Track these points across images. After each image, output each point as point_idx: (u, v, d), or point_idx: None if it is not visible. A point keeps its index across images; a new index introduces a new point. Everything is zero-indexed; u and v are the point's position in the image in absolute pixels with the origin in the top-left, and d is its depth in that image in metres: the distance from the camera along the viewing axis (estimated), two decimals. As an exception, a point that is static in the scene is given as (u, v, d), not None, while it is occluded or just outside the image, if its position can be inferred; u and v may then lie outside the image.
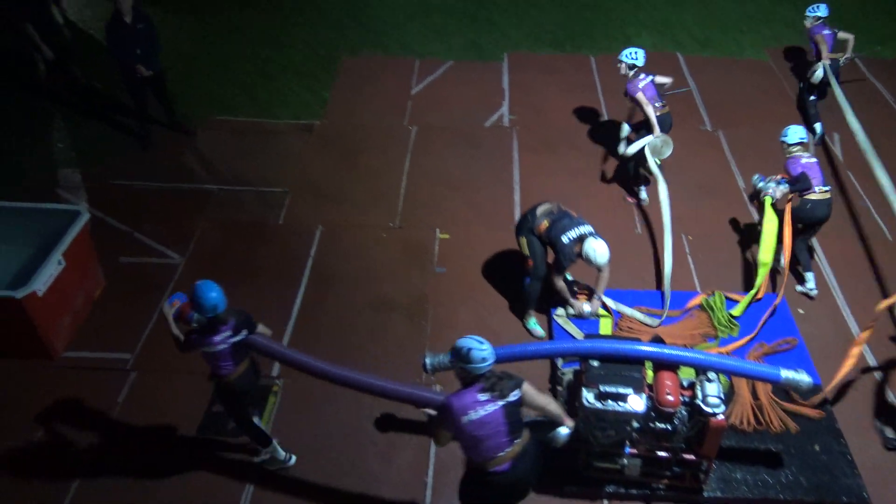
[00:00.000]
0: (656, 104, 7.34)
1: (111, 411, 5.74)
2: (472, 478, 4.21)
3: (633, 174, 7.78)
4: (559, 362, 5.77)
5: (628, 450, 4.84)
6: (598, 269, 5.94)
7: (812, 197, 6.46)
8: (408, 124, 9.09)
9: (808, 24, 8.79)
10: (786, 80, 9.91)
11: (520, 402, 3.99)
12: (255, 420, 5.15)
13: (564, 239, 5.77)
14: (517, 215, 7.63)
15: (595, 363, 4.72)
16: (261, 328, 4.91)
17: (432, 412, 4.40)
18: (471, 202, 7.86)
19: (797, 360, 5.87)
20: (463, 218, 7.65)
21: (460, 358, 3.88)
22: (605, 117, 9.13)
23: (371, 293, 6.77)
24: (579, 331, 6.14)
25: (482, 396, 3.89)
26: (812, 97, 8.75)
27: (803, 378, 4.54)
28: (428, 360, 4.92)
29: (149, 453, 5.47)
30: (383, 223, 7.60)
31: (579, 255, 5.78)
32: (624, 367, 4.68)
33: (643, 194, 7.83)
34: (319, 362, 4.94)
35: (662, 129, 7.30)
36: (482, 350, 3.87)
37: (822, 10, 8.68)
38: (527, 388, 4.02)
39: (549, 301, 6.37)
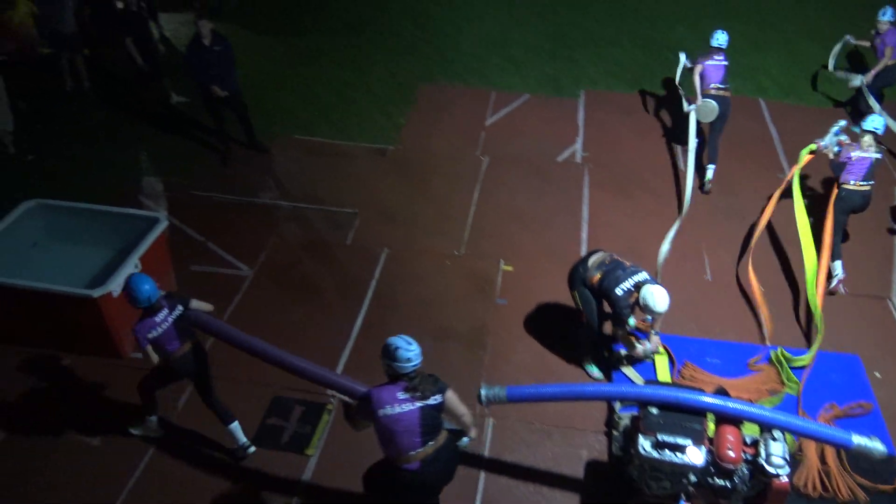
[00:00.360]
0: (714, 84, 8.30)
1: (170, 414, 5.88)
2: (382, 468, 4.34)
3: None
4: (616, 406, 5.64)
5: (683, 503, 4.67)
6: (655, 317, 5.69)
7: (847, 186, 7.01)
8: (480, 154, 9.15)
9: (882, 28, 9.22)
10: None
11: (439, 408, 4.13)
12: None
13: (619, 291, 5.51)
14: (584, 252, 7.55)
15: (654, 410, 4.59)
16: (198, 304, 5.23)
17: (349, 400, 4.50)
18: (537, 236, 7.82)
19: (871, 426, 5.57)
20: (528, 251, 7.61)
21: (387, 354, 4.05)
22: (681, 162, 8.95)
23: (431, 319, 6.78)
24: (639, 375, 6.00)
25: (402, 395, 4.06)
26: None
27: (877, 446, 4.32)
28: (483, 392, 4.89)
29: (202, 459, 5.57)
30: (448, 251, 7.63)
31: (636, 304, 5.56)
32: (684, 416, 4.54)
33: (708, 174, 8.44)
34: (253, 339, 5.22)
35: (720, 110, 8.22)
36: (409, 351, 4.03)
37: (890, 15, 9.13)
38: (450, 395, 4.18)
39: (606, 347, 6.27)
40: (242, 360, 6.21)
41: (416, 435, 4.07)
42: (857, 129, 7.44)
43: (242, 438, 5.52)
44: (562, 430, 5.78)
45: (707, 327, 6.68)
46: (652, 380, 5.74)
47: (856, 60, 10.78)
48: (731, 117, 8.66)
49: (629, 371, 6.06)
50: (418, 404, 4.05)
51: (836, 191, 7.15)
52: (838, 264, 7.05)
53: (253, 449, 5.56)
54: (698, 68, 8.47)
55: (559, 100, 10.35)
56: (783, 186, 7.71)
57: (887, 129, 7.60)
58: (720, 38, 8.47)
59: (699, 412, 4.56)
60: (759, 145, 9.28)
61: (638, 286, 5.51)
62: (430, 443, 4.13)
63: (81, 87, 10.46)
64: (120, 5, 9.98)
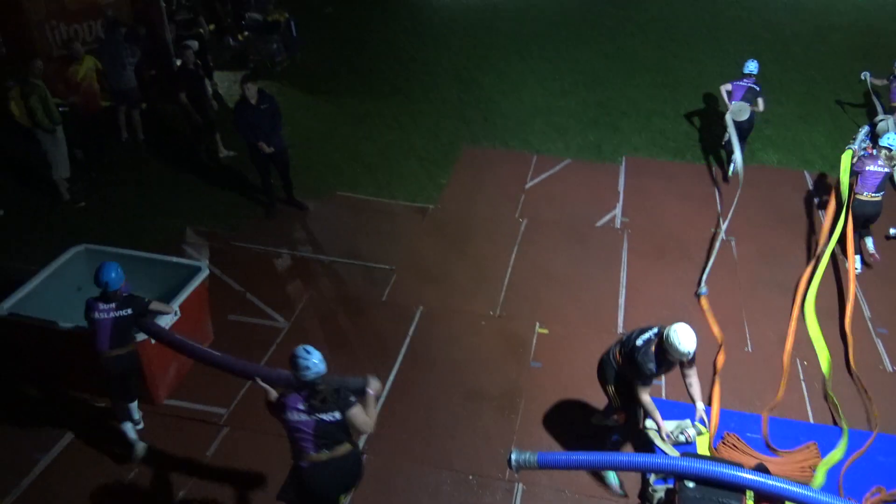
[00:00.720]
0: (735, 101, 9.92)
1: (200, 461, 5.88)
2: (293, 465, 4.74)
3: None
4: (651, 477, 5.45)
5: (719, 584, 4.43)
6: (685, 362, 5.27)
7: (859, 197, 7.93)
8: (519, 216, 9.18)
9: None
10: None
11: (337, 424, 4.46)
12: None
13: (639, 341, 5.19)
14: (621, 318, 7.47)
15: (690, 485, 4.42)
16: (157, 305, 5.69)
17: (272, 393, 4.69)
18: (574, 300, 7.75)
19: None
20: (564, 315, 7.53)
21: (290, 363, 4.40)
22: (723, 232, 8.86)
23: (464, 380, 6.72)
24: (674, 449, 5.80)
25: (301, 405, 4.41)
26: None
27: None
28: (514, 457, 4.77)
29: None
30: (484, 311, 7.60)
31: (661, 355, 5.14)
32: (722, 492, 4.35)
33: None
34: (196, 346, 5.60)
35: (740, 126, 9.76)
36: (306, 360, 4.35)
37: None
38: (353, 412, 4.47)
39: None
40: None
41: (310, 442, 4.47)
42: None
43: (133, 436, 5.89)
44: (594, 499, 5.61)
45: (748, 401, 6.47)
46: (689, 452, 5.54)
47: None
48: (777, 189, 9.29)
49: (666, 446, 5.87)
50: (315, 416, 4.41)
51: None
52: (858, 258, 8.10)
53: (142, 448, 5.88)
54: (726, 87, 10.26)
55: (600, 165, 10.40)
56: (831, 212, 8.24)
57: None
58: (750, 66, 10.20)
59: (738, 488, 4.38)
60: (804, 218, 9.14)
61: (659, 333, 5.15)
62: (325, 451, 4.50)
63: (136, 138, 10.89)
64: (178, 63, 10.46)
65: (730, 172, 10.01)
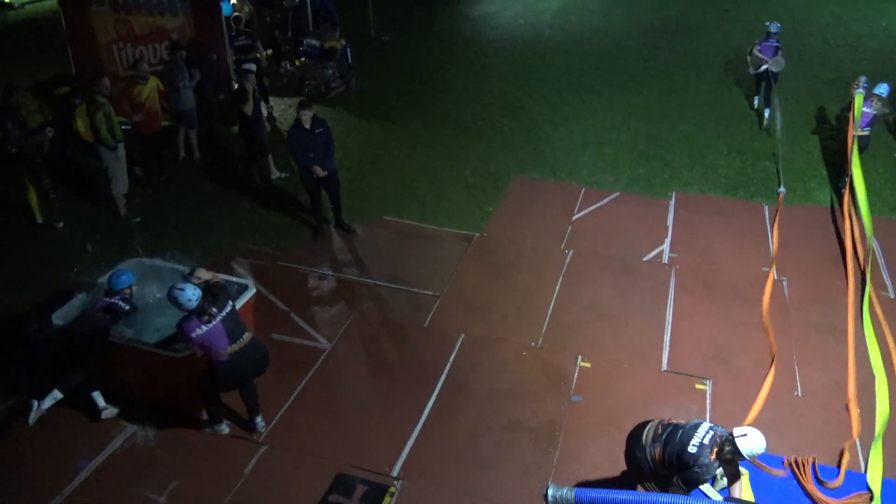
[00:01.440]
0: (769, 57, 12.37)
1: (236, 479, 5.93)
2: (208, 369, 5.88)
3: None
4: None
5: None
6: (752, 461, 4.91)
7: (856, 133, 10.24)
8: (564, 248, 9.12)
9: None
10: None
11: (235, 312, 5.83)
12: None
13: (692, 448, 4.79)
14: (665, 355, 7.31)
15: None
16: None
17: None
18: (618, 334, 7.63)
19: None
20: (607, 349, 7.42)
21: (175, 305, 5.63)
22: (776, 272, 8.64)
23: (503, 410, 6.65)
24: (716, 492, 5.62)
25: (199, 322, 5.60)
26: None
27: None
28: (551, 492, 4.68)
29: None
30: (526, 342, 7.53)
31: (720, 459, 4.80)
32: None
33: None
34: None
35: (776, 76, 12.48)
36: (181, 295, 5.58)
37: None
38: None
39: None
40: (311, 434, 6.29)
41: (225, 339, 5.70)
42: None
43: (102, 403, 6.43)
44: (631, 541, 5.44)
45: (797, 447, 6.25)
46: (731, 497, 5.36)
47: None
48: (831, 230, 9.17)
49: (706, 487, 5.69)
50: (217, 318, 5.65)
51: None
52: None
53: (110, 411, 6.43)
54: (756, 48, 12.55)
55: (649, 199, 10.28)
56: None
57: None
58: (773, 28, 12.46)
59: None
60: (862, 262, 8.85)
61: (715, 439, 4.82)
62: (236, 343, 5.74)
63: (193, 157, 11.21)
64: (235, 86, 10.77)
65: (765, 121, 12.37)
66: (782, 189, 10.19)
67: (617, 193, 10.43)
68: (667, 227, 9.59)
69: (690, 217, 9.81)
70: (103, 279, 6.68)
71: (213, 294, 5.73)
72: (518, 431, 6.44)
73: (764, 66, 12.43)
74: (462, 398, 6.80)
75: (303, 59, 13.95)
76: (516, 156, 11.56)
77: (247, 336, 5.85)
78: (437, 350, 7.40)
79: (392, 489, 5.85)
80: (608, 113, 13.16)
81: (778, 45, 12.49)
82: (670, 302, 8.15)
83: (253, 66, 10.42)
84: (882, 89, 10.85)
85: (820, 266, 8.74)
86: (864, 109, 10.53)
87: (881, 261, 8.89)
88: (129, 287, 6.38)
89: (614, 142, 12.02)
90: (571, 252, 9.02)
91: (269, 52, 14.89)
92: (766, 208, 10.02)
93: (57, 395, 6.28)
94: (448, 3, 19.85)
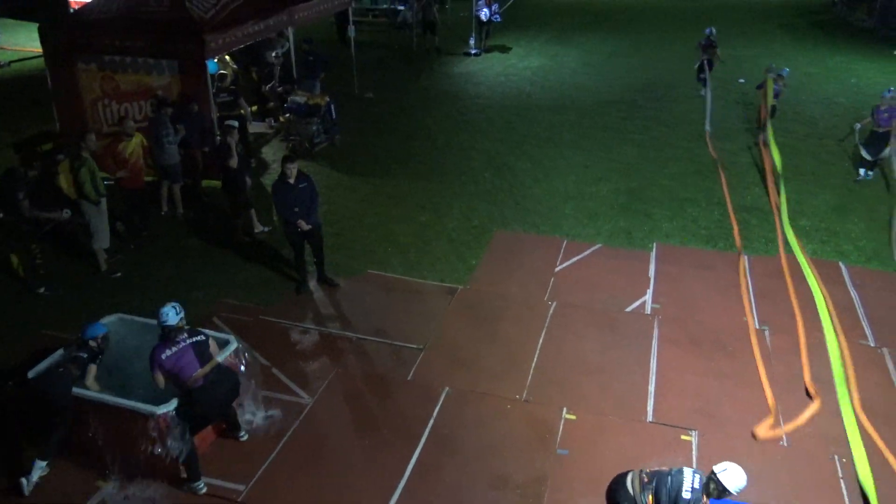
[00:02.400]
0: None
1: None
2: (182, 400, 5.98)
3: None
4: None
5: None
6: (734, 498, 5.10)
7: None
8: (548, 300, 9.14)
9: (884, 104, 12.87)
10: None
11: (206, 341, 6.13)
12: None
13: (686, 494, 4.99)
14: (650, 406, 7.28)
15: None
16: (90, 382, 6.31)
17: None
18: (602, 386, 7.59)
19: None
20: (593, 401, 7.37)
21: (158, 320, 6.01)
22: (756, 321, 8.70)
23: (488, 466, 6.55)
24: None
25: (170, 345, 5.93)
26: None
27: None
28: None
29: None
30: (510, 395, 7.47)
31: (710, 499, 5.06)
32: None
33: None
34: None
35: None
36: (163, 309, 6.02)
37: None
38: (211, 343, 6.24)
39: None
40: (293, 493, 6.15)
41: (195, 362, 5.94)
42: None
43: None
44: None
45: (783, 497, 6.19)
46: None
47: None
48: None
49: None
50: (189, 341, 6.01)
51: None
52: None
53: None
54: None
55: (630, 251, 10.36)
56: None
57: None
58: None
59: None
60: (841, 310, 8.93)
61: (704, 481, 5.07)
62: (206, 365, 5.96)
63: (176, 212, 11.22)
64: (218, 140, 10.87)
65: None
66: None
67: (598, 245, 10.52)
68: (649, 279, 9.65)
69: (672, 268, 9.89)
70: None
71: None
72: (504, 488, 6.33)
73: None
74: (447, 453, 6.70)
75: (287, 115, 14.14)
76: (499, 209, 11.68)
77: (214, 361, 6.11)
78: (421, 404, 7.32)
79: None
80: (589, 167, 13.38)
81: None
82: (654, 353, 8.14)
83: (235, 122, 10.53)
84: (785, 72, 15.22)
85: (801, 316, 8.78)
86: (775, 87, 14.40)
87: (860, 311, 8.98)
88: (97, 338, 6.39)
89: (595, 195, 12.19)
90: (555, 304, 9.03)
91: (255, 108, 15.10)
92: (747, 259, 10.13)
93: (41, 464, 6.21)
94: (431, 61, 20.29)
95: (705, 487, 5.05)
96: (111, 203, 9.65)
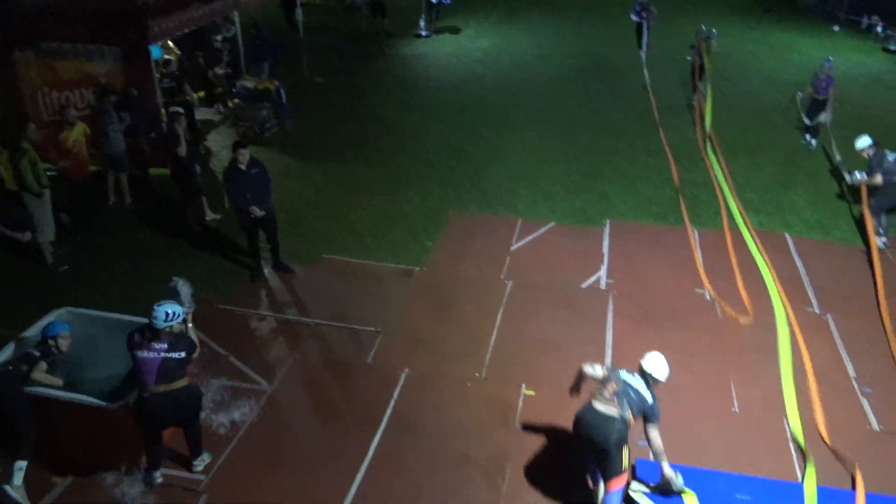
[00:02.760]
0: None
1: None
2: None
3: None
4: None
5: None
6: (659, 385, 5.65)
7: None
8: (504, 279, 9.21)
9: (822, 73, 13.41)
10: (906, 272, 9.47)
11: (182, 360, 5.71)
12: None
13: (649, 398, 5.52)
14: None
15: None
16: (38, 375, 6.04)
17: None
18: (560, 361, 7.69)
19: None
20: (550, 377, 7.46)
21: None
22: (707, 294, 8.92)
23: (449, 444, 6.60)
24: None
25: (154, 345, 5.65)
26: None
27: None
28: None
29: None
30: (470, 374, 7.53)
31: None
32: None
33: None
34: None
35: None
36: (155, 311, 5.63)
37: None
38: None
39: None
40: (255, 482, 6.11)
41: (152, 376, 5.64)
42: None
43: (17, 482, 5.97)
44: (582, 568, 5.45)
45: (735, 462, 6.39)
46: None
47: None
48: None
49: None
50: (162, 354, 5.62)
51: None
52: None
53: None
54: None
55: (584, 228, 10.50)
56: None
57: None
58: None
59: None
60: (787, 279, 9.21)
61: (646, 380, 5.64)
62: (163, 384, 5.65)
63: (124, 202, 10.95)
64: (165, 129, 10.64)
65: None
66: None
67: (553, 224, 10.62)
68: (602, 255, 9.80)
69: (625, 245, 10.05)
70: (30, 331, 6.44)
71: (182, 335, 5.87)
72: (466, 466, 6.39)
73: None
74: (408, 435, 6.72)
75: (236, 100, 13.88)
76: (454, 192, 11.69)
77: (179, 383, 5.77)
78: (382, 387, 7.32)
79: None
80: (543, 148, 13.46)
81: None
82: (609, 328, 8.29)
83: (180, 109, 10.30)
84: (713, 34, 16.05)
85: (750, 288, 9.03)
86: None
87: (805, 279, 9.27)
88: (55, 336, 6.19)
89: (550, 176, 12.28)
90: (511, 283, 9.11)
91: (202, 94, 14.78)
92: (697, 233, 10.35)
93: (22, 465, 5.97)
94: (381, 44, 20.10)
95: (649, 385, 5.59)
96: (55, 194, 9.37)
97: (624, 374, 5.66)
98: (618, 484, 5.48)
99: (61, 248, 9.56)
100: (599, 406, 5.50)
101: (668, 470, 5.59)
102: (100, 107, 10.56)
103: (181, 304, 6.06)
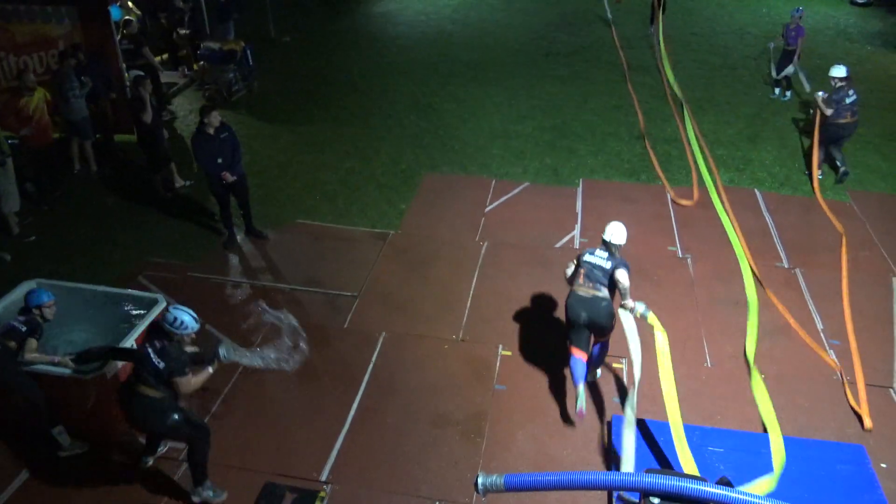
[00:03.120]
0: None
1: (158, 499, 5.72)
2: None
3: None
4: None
5: None
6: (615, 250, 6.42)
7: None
8: (479, 240, 9.24)
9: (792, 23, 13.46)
10: (868, 224, 9.66)
11: (159, 372, 5.17)
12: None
13: (611, 262, 6.38)
14: (583, 338, 7.52)
15: (656, 501, 4.45)
16: (31, 356, 5.81)
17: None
18: (536, 321, 7.79)
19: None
20: (527, 336, 7.57)
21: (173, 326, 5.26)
22: (679, 249, 9.05)
23: (428, 405, 6.68)
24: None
25: (156, 344, 5.23)
26: None
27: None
28: (480, 481, 4.73)
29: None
30: (447, 335, 7.59)
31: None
32: (687, 507, 4.39)
33: None
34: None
35: None
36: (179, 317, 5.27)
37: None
38: (180, 380, 5.20)
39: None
40: (235, 446, 6.15)
41: (143, 374, 5.21)
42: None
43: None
44: (561, 521, 5.60)
45: (708, 415, 6.57)
46: (653, 469, 5.58)
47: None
48: (729, 208, 9.45)
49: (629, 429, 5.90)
50: (157, 358, 5.18)
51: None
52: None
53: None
54: None
55: (557, 188, 10.53)
56: None
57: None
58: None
59: (702, 503, 4.42)
60: (757, 235, 9.37)
61: (607, 249, 6.47)
62: (143, 385, 5.23)
63: (89, 170, 10.72)
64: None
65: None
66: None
67: (526, 184, 10.64)
68: (576, 214, 9.86)
69: (598, 203, 10.11)
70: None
71: (179, 353, 5.32)
72: (445, 425, 6.48)
73: None
74: (387, 396, 6.79)
75: (202, 62, 13.56)
76: (426, 152, 11.62)
77: (147, 390, 5.26)
78: (359, 350, 7.36)
79: (322, 494, 5.79)
80: (513, 105, 13.40)
81: None
82: (584, 286, 8.36)
83: (142, 73, 10.02)
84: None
85: (720, 243, 9.17)
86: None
87: (774, 234, 9.43)
88: (40, 306, 5.98)
89: (521, 134, 12.25)
90: (486, 244, 9.14)
91: (165, 56, 14.42)
92: (668, 190, 10.44)
93: (59, 429, 6.01)
94: (348, 2, 19.71)
95: (611, 253, 6.42)
96: (18, 163, 9.13)
97: (587, 256, 6.49)
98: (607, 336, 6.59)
99: (27, 218, 9.37)
100: (581, 291, 6.39)
101: (630, 302, 6.43)
102: (59, 71, 10.25)
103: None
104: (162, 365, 5.18)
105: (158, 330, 5.33)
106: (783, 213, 9.91)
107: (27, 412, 5.95)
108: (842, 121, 10.56)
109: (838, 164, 10.69)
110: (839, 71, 10.70)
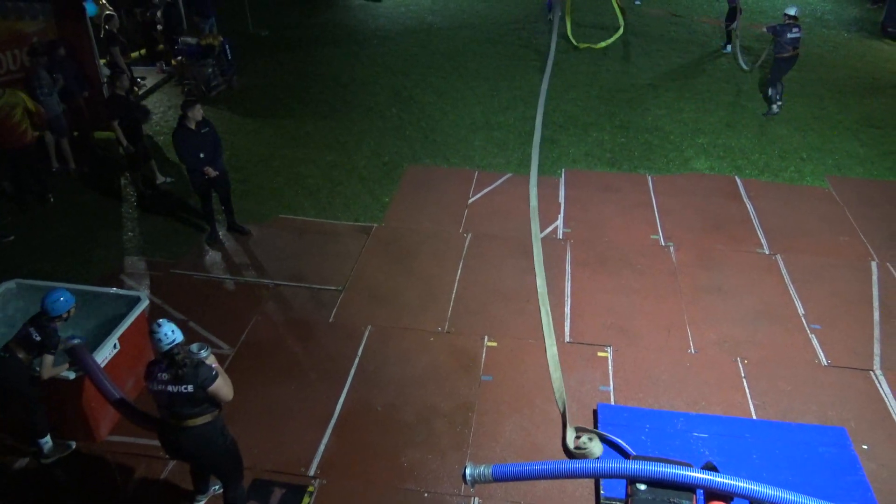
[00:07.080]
0: None
1: (149, 498, 5.69)
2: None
3: None
4: (602, 491, 5.51)
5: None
6: None
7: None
8: (463, 232, 9.24)
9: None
10: (847, 209, 9.77)
11: (191, 396, 4.69)
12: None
13: None
14: (567, 327, 7.56)
15: (642, 487, 4.49)
16: (49, 371, 5.59)
17: None
18: (521, 312, 7.82)
19: (860, 499, 5.47)
20: (512, 327, 7.59)
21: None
22: (661, 238, 9.11)
23: (415, 397, 6.69)
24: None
25: (162, 375, 4.70)
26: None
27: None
28: (468, 471, 4.76)
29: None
30: (432, 328, 7.60)
31: None
32: (673, 493, 4.43)
33: None
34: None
35: None
36: (156, 332, 4.63)
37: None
38: (217, 385, 4.74)
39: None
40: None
41: (165, 410, 4.79)
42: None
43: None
44: (550, 510, 5.63)
45: (692, 401, 6.63)
46: (640, 455, 5.63)
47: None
48: (710, 196, 9.70)
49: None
50: (171, 388, 4.68)
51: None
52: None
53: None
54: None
55: (540, 178, 10.54)
56: None
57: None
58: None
59: (688, 488, 4.46)
60: (738, 222, 9.45)
61: None
62: (174, 420, 4.79)
63: (67, 168, 10.59)
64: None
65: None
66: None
67: (509, 175, 10.65)
68: (559, 204, 9.88)
69: (581, 193, 10.15)
70: None
71: (195, 365, 4.77)
72: (432, 417, 6.49)
73: None
74: (374, 390, 6.79)
75: (179, 58, 13.43)
76: (408, 144, 11.59)
77: (200, 420, 4.88)
78: (345, 344, 7.35)
79: (310, 489, 5.79)
80: (494, 96, 13.40)
81: None
82: (568, 276, 8.42)
83: (124, 69, 9.91)
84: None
85: (702, 230, 9.24)
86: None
87: (755, 220, 9.51)
88: (64, 314, 5.61)
89: (503, 125, 12.25)
90: (470, 235, 9.15)
91: (143, 52, 14.26)
92: (650, 179, 10.49)
93: (46, 440, 5.93)
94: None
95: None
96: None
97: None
98: None
99: (5, 217, 9.24)
100: None
101: None
102: (31, 69, 10.09)
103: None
104: (191, 387, 4.74)
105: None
106: (763, 200, 9.99)
107: (22, 420, 5.85)
108: (785, 55, 12.25)
109: (777, 97, 12.47)
110: (791, 10, 12.28)
